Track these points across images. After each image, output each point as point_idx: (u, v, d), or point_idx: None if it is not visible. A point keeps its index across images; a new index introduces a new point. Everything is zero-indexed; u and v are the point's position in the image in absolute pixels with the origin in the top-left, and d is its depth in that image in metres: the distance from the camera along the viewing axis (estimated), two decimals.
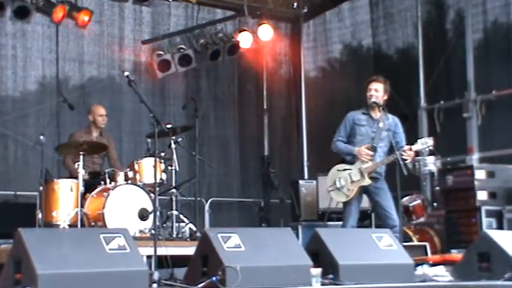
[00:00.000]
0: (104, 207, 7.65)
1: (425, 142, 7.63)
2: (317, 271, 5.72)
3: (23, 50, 10.73)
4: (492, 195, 9.37)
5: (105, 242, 5.23)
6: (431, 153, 9.71)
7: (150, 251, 6.50)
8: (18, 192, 9.99)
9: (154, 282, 5.77)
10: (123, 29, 11.54)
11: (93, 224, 7.69)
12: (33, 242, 4.94)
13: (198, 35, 11.74)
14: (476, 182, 9.31)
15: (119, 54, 11.46)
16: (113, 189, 7.81)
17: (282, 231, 6.50)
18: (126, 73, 7.70)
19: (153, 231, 7.04)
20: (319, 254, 6.04)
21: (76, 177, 7.86)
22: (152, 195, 7.65)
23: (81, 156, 7.77)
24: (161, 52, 11.51)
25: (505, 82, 10.51)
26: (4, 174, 10.36)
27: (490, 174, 9.45)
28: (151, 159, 7.80)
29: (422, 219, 9.59)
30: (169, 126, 8.15)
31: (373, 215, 9.55)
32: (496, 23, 10.94)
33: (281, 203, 10.73)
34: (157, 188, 7.50)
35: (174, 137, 8.33)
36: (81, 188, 7.73)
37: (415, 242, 9.13)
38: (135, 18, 11.66)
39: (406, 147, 7.57)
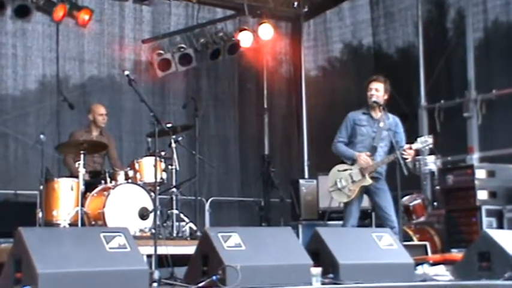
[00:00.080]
0: (104, 206, 7.66)
1: (425, 141, 7.63)
2: (317, 270, 5.72)
3: (23, 49, 10.73)
4: (492, 194, 9.37)
5: (106, 241, 5.22)
6: (431, 152, 9.72)
7: (150, 250, 6.51)
8: (19, 191, 9.99)
9: (155, 281, 5.78)
10: (124, 28, 11.54)
11: (93, 223, 7.69)
12: (33, 241, 4.94)
13: (199, 34, 11.74)
14: (476, 182, 9.31)
15: (119, 53, 11.45)
16: (113, 189, 7.81)
17: (282, 231, 6.50)
18: (127, 72, 7.70)
19: (153, 230, 7.04)
20: (320, 253, 6.04)
21: (76, 176, 7.86)
22: (152, 194, 7.65)
23: (82, 156, 7.77)
24: (161, 51, 11.50)
25: (505, 81, 10.51)
26: (4, 173, 10.36)
27: (491, 174, 9.45)
28: (152, 158, 7.80)
29: (422, 219, 9.59)
30: (169, 125, 8.15)
31: (373, 214, 9.55)
32: (496, 22, 10.93)
33: (281, 202, 10.73)
34: (158, 187, 7.52)
35: (174, 136, 8.34)
36: (82, 187, 7.73)
37: (416, 242, 9.13)
38: (135, 17, 11.66)
39: (406, 146, 7.57)
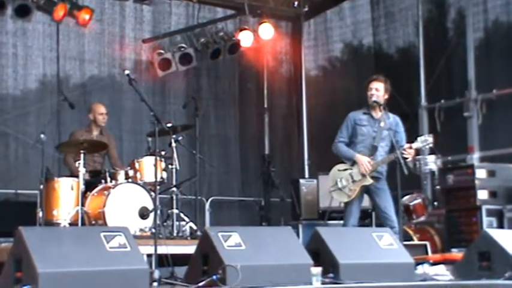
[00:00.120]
0: (104, 206, 7.66)
1: (425, 140, 7.63)
2: (317, 270, 5.72)
3: (24, 49, 10.74)
4: (493, 194, 9.37)
5: (106, 240, 5.22)
6: (432, 152, 9.73)
7: (150, 249, 6.51)
8: (19, 191, 9.99)
9: (155, 280, 5.78)
10: (124, 27, 11.55)
11: (93, 222, 7.69)
12: (33, 240, 4.94)
13: (199, 34, 11.74)
14: (476, 181, 9.31)
15: (120, 52, 11.46)
16: (113, 188, 7.81)
17: (283, 230, 6.50)
18: (127, 72, 7.70)
19: (153, 230, 7.04)
20: (320, 253, 6.04)
21: (77, 176, 7.86)
22: (153, 193, 7.65)
23: (82, 155, 7.77)
24: (162, 51, 11.51)
25: (505, 81, 10.51)
26: (5, 173, 10.37)
27: (491, 174, 9.45)
28: (152, 157, 7.80)
29: (422, 218, 9.59)
30: (169, 125, 8.15)
31: (373, 214, 9.54)
32: (496, 22, 10.93)
33: (281, 201, 10.73)
34: (158, 187, 7.52)
35: (174, 136, 8.34)
36: (82, 187, 7.73)
37: (416, 241, 9.13)
38: (135, 16, 11.66)
39: (406, 145, 7.57)
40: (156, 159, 7.49)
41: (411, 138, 7.74)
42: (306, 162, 12.69)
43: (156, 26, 11.84)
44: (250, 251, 5.67)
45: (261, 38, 11.84)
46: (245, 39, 11.68)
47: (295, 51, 12.95)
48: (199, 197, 8.62)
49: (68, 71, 11.07)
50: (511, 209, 9.25)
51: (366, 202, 8.16)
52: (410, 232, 9.24)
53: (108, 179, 8.07)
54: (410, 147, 7.53)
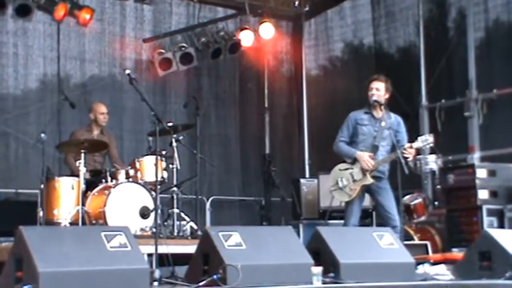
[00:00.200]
0: (105, 205, 7.66)
1: (426, 139, 7.63)
2: (318, 269, 5.72)
3: (24, 48, 10.74)
4: (493, 194, 9.37)
5: (106, 240, 5.22)
6: (432, 151, 9.73)
7: (151, 249, 6.50)
8: (19, 190, 9.99)
9: (155, 280, 5.78)
10: (125, 27, 11.55)
11: (94, 222, 7.69)
12: (34, 240, 4.94)
13: (200, 34, 11.74)
14: (477, 181, 9.30)
15: (120, 52, 11.46)
16: (114, 187, 7.81)
17: (283, 230, 6.50)
18: (128, 71, 7.71)
19: (154, 230, 7.04)
20: (320, 253, 6.03)
21: (77, 175, 7.86)
22: (153, 193, 7.65)
23: (82, 154, 7.77)
24: (162, 50, 11.51)
25: (506, 81, 10.51)
26: (5, 172, 10.37)
27: (491, 173, 9.45)
28: (153, 157, 7.80)
29: (423, 218, 9.58)
30: (170, 124, 8.14)
31: (374, 213, 9.55)
32: (497, 22, 10.93)
33: (282, 201, 10.73)
34: (159, 186, 7.52)
35: (175, 135, 8.33)
36: (82, 186, 7.74)
37: (416, 241, 9.12)
38: (136, 16, 11.67)
39: (407, 144, 7.57)
40: (156, 159, 7.49)
41: (412, 138, 7.74)
42: (306, 162, 12.69)
43: (156, 25, 11.85)
44: (251, 250, 5.67)
45: (261, 37, 11.83)
46: (246, 38, 11.68)
47: (296, 51, 12.95)
48: (199, 197, 8.62)
49: (68, 70, 11.08)
50: None
51: (366, 202, 8.16)
52: (411, 232, 9.24)
53: (109, 179, 8.07)
54: (411, 147, 7.53)
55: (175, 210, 8.16)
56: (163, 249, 6.52)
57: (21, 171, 10.40)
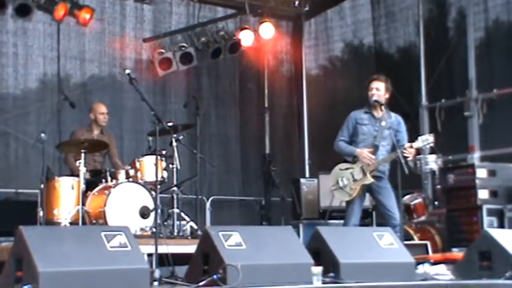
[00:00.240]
0: (105, 205, 7.66)
1: (426, 139, 7.64)
2: (318, 269, 5.72)
3: (24, 48, 10.74)
4: (493, 193, 9.37)
5: (106, 239, 5.22)
6: (432, 151, 9.73)
7: (151, 249, 6.50)
8: (20, 190, 9.99)
9: (155, 280, 5.78)
10: (125, 27, 11.55)
11: (94, 221, 7.69)
12: (34, 239, 4.94)
13: (200, 33, 11.74)
14: (477, 181, 9.30)
15: (120, 52, 11.46)
16: (114, 187, 7.81)
17: (283, 230, 6.50)
18: (128, 71, 7.71)
19: (154, 229, 7.03)
20: (320, 252, 6.03)
21: (77, 175, 7.86)
22: (153, 193, 7.65)
23: (83, 154, 7.77)
24: (162, 50, 11.51)
25: (506, 81, 10.51)
26: (5, 172, 10.37)
27: (491, 173, 9.45)
28: (153, 157, 7.79)
29: (423, 218, 9.58)
30: (170, 124, 8.14)
31: (374, 213, 9.55)
32: (497, 21, 10.93)
33: (282, 201, 10.73)
34: (159, 186, 7.52)
35: (175, 135, 8.33)
36: (82, 186, 7.74)
37: (416, 241, 9.12)
38: (136, 16, 11.67)
39: (407, 144, 7.58)
40: (156, 159, 7.48)
41: (412, 138, 7.74)
42: (306, 162, 12.69)
43: (156, 25, 11.85)
44: (251, 250, 5.66)
45: (261, 37, 11.83)
46: (246, 38, 11.68)
47: (296, 51, 12.95)
48: (199, 197, 8.62)
49: (68, 70, 11.08)
50: None
51: (366, 201, 8.16)
52: (411, 231, 9.24)
53: (109, 178, 8.07)
54: (411, 147, 7.54)
55: (175, 210, 8.16)
56: (163, 249, 6.53)
57: (21, 171, 10.40)
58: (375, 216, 9.62)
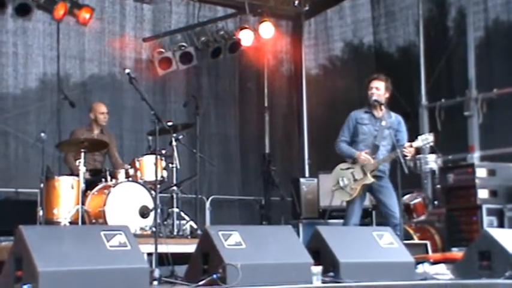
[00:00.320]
0: (104, 205, 7.66)
1: (426, 138, 7.65)
2: (318, 269, 5.72)
3: (24, 47, 10.74)
4: (493, 193, 9.37)
5: (106, 239, 5.22)
6: (432, 151, 9.73)
7: (150, 248, 6.50)
8: (19, 190, 9.99)
9: (155, 279, 5.78)
10: (124, 26, 11.55)
11: (94, 221, 7.69)
12: (34, 239, 4.94)
13: (199, 33, 11.75)
14: (477, 180, 9.30)
15: (120, 51, 11.46)
16: (113, 187, 7.81)
17: (283, 229, 6.50)
18: (127, 71, 7.71)
19: (153, 229, 7.04)
20: (320, 252, 6.03)
21: (77, 175, 7.86)
22: (153, 192, 7.65)
23: (82, 154, 7.77)
24: (162, 50, 11.51)
25: (506, 80, 10.51)
26: (5, 172, 10.37)
27: (491, 173, 9.45)
28: (152, 156, 7.80)
29: (423, 217, 9.58)
30: (170, 123, 8.14)
31: (374, 212, 9.55)
32: (497, 21, 10.93)
33: (282, 200, 10.73)
34: (158, 186, 7.52)
35: (175, 135, 8.33)
36: (82, 185, 7.73)
37: (416, 240, 9.12)
38: (136, 15, 11.67)
39: (407, 144, 7.59)
40: (156, 158, 7.49)
41: (412, 138, 7.75)
42: (306, 161, 12.69)
43: (156, 24, 11.85)
44: (251, 250, 5.66)
45: (261, 37, 11.83)
46: (245, 38, 11.68)
47: (296, 50, 12.95)
48: (199, 196, 8.63)
49: (68, 69, 11.08)
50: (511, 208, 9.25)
51: (366, 201, 8.16)
52: (411, 231, 9.23)
53: (109, 178, 8.07)
54: (411, 146, 7.54)
55: (175, 210, 8.16)
56: (163, 248, 6.53)
57: (21, 170, 10.39)
58: (374, 216, 9.61)
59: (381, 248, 6.35)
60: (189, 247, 6.47)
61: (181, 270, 6.02)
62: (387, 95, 7.81)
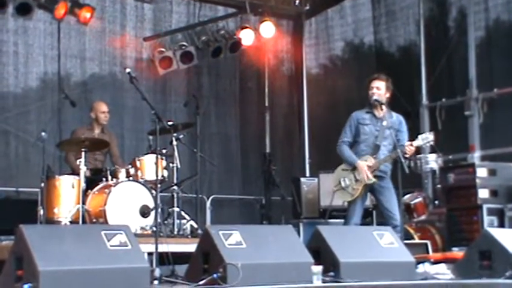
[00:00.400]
0: (105, 204, 7.66)
1: (426, 137, 7.66)
2: (318, 268, 5.72)
3: (25, 47, 10.75)
4: (493, 193, 9.37)
5: (107, 238, 5.22)
6: (432, 150, 9.73)
7: (151, 247, 6.51)
8: (20, 189, 9.99)
9: (156, 279, 5.78)
10: (125, 26, 11.55)
11: (94, 220, 7.69)
12: (34, 238, 4.94)
13: (200, 32, 11.75)
14: (477, 180, 9.30)
15: (121, 51, 11.46)
16: (114, 186, 7.81)
17: (283, 229, 6.50)
18: (128, 70, 7.71)
19: (154, 228, 7.04)
20: (320, 252, 6.04)
21: (78, 174, 7.86)
22: (154, 192, 7.65)
23: (83, 153, 7.77)
24: (163, 49, 11.51)
25: (506, 80, 10.51)
26: (6, 171, 10.37)
27: (492, 172, 9.45)
28: (153, 156, 7.79)
29: (423, 217, 9.58)
30: (170, 123, 8.13)
31: (374, 212, 9.54)
32: (498, 21, 10.93)
33: (282, 200, 10.72)
34: (159, 185, 7.50)
35: (175, 134, 8.33)
36: (83, 185, 7.73)
37: (416, 240, 9.12)
38: (136, 15, 11.67)
39: (407, 143, 7.59)
40: (157, 158, 7.48)
41: (412, 137, 7.75)
42: (306, 161, 12.69)
43: (157, 24, 11.85)
44: (251, 249, 5.67)
45: (262, 36, 11.83)
46: (246, 37, 11.68)
47: (296, 50, 12.95)
48: (200, 195, 8.63)
49: (68, 69, 11.08)
50: None
51: (367, 201, 8.16)
52: (411, 231, 9.23)
53: (109, 177, 8.07)
54: (411, 145, 7.54)
55: (176, 209, 8.16)
56: (163, 247, 6.53)
57: (22, 169, 10.39)
58: (375, 216, 9.61)
59: (381, 248, 6.35)
60: (190, 246, 6.47)
61: (181, 269, 6.02)
62: (388, 95, 7.81)
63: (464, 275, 6.48)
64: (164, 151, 8.22)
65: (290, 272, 5.68)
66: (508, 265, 6.22)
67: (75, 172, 8.13)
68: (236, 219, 11.91)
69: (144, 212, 7.74)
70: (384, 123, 7.67)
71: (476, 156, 10.61)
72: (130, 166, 8.22)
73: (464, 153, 10.71)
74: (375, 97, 7.71)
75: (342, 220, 8.21)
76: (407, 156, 7.51)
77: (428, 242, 8.98)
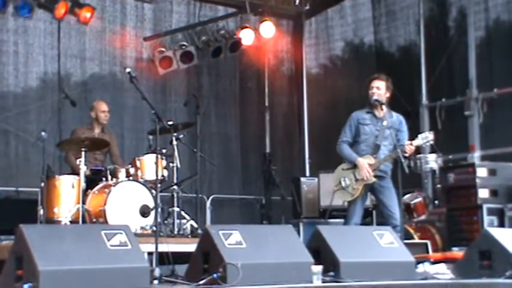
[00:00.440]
0: (105, 204, 7.66)
1: (426, 137, 7.66)
2: (318, 268, 5.72)
3: (25, 46, 10.75)
4: (493, 193, 9.37)
5: (107, 238, 5.22)
6: (432, 150, 9.73)
7: (151, 247, 6.51)
8: (20, 189, 9.99)
9: (156, 278, 5.78)
10: (125, 25, 11.55)
11: (94, 220, 7.69)
12: (34, 238, 4.94)
13: (200, 32, 11.75)
14: (477, 180, 9.30)
15: (121, 50, 11.46)
16: (114, 186, 7.81)
17: (283, 229, 6.50)
18: (128, 70, 7.71)
19: (154, 228, 7.04)
20: (320, 251, 6.04)
21: (78, 174, 7.86)
22: (153, 191, 7.65)
23: (83, 153, 7.77)
24: (163, 49, 11.52)
25: (506, 80, 10.51)
26: (5, 170, 10.37)
27: (492, 172, 9.45)
28: (153, 155, 7.79)
29: (423, 217, 9.58)
30: (170, 123, 8.13)
31: (374, 212, 9.55)
32: (498, 21, 10.93)
33: (282, 200, 10.73)
34: (159, 185, 7.50)
35: (175, 134, 8.33)
36: (83, 185, 7.73)
37: (416, 240, 9.12)
38: (137, 15, 11.67)
39: (407, 142, 7.60)
40: (157, 157, 7.48)
41: (412, 137, 7.75)
42: (306, 161, 12.69)
43: (157, 24, 11.85)
44: (251, 249, 5.67)
45: (262, 36, 11.84)
46: (246, 37, 11.68)
47: (296, 50, 12.95)
48: (200, 195, 8.64)
49: (68, 68, 11.08)
50: None
51: (367, 201, 8.16)
52: (411, 231, 9.23)
53: (109, 177, 8.07)
54: (411, 144, 7.54)
55: (176, 209, 8.16)
56: (163, 247, 6.53)
57: (22, 169, 10.39)
58: (375, 215, 9.61)
59: (381, 248, 6.35)
60: (190, 246, 6.47)
61: (181, 269, 6.02)
62: (388, 95, 7.81)
63: (464, 275, 6.48)
64: (164, 151, 8.22)
65: (290, 271, 5.68)
66: (508, 265, 6.22)
67: (75, 172, 8.13)
68: (236, 219, 11.91)
69: (144, 211, 7.74)
70: (384, 123, 7.67)
71: (476, 156, 10.61)
72: (130, 166, 8.21)
73: (464, 153, 10.71)
74: (375, 97, 7.71)
75: (342, 220, 8.21)
76: (407, 155, 7.51)
77: (428, 242, 8.98)
